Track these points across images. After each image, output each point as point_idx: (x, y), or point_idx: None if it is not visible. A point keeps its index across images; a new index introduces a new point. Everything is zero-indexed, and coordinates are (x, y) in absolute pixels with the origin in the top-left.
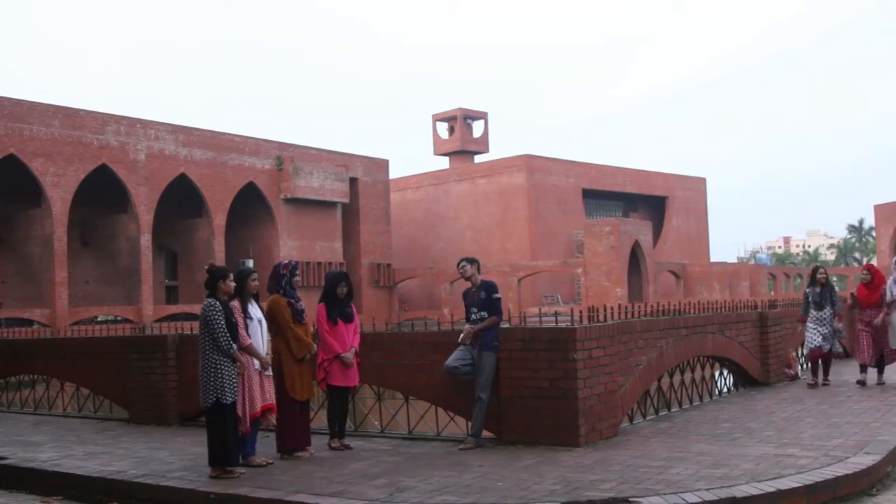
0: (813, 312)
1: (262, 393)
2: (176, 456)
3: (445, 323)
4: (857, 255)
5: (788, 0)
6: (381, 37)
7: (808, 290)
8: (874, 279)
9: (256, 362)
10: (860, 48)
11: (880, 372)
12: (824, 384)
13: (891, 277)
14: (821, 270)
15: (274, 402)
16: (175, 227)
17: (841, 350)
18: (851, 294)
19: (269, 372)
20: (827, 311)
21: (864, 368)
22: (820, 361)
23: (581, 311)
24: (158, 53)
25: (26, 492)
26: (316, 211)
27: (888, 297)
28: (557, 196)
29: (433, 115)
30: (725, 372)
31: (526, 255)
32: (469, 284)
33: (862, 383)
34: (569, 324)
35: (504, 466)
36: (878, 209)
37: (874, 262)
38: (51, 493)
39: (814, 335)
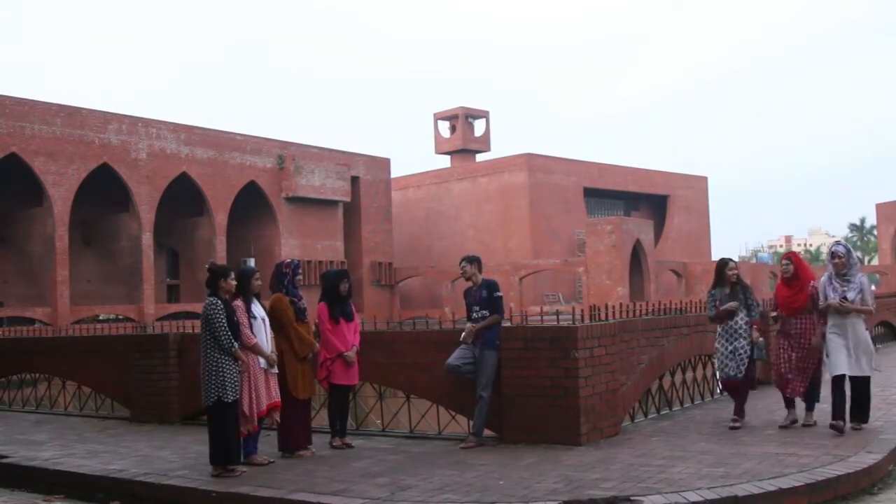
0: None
1: (267, 391)
2: (178, 455)
3: (447, 322)
4: (859, 254)
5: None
6: (382, 35)
7: (713, 292)
8: (798, 273)
9: (262, 361)
10: (860, 48)
11: (809, 408)
12: (736, 424)
13: (825, 275)
14: (731, 265)
15: (279, 400)
16: (176, 226)
17: (753, 378)
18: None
19: (275, 370)
20: (740, 320)
21: (790, 403)
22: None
23: (582, 310)
24: (160, 52)
25: (28, 490)
26: (317, 210)
27: (820, 302)
28: (559, 195)
29: (434, 114)
30: None
31: (527, 253)
32: (471, 283)
33: (792, 423)
34: (570, 322)
35: (505, 465)
36: (880, 207)
37: (875, 261)
38: (52, 491)
39: (723, 359)
